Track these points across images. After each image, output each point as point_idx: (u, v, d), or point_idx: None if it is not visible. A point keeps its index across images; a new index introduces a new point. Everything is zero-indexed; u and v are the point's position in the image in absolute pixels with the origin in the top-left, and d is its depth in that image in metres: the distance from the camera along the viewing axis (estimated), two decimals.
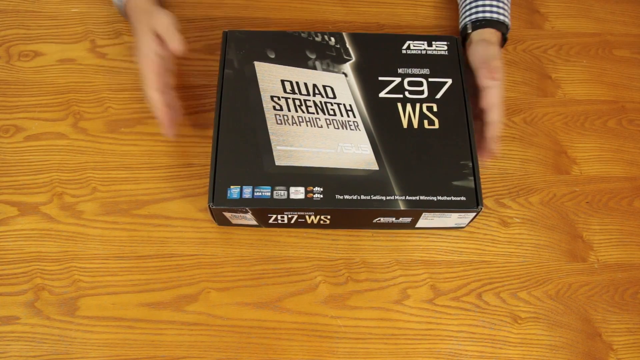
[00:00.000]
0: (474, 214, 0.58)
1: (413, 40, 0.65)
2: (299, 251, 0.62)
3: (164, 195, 0.63)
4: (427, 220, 0.59)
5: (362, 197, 0.56)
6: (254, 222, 0.60)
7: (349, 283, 0.60)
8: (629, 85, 0.75)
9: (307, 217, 0.58)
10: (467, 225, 0.62)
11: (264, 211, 0.56)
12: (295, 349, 0.57)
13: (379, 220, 0.59)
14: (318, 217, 0.58)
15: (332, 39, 0.65)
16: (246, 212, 0.56)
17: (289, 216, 0.57)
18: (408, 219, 0.59)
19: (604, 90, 0.74)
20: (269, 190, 0.56)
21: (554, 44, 0.77)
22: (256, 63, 0.62)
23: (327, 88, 0.62)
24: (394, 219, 0.58)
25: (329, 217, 0.58)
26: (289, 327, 0.58)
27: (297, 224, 0.60)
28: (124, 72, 0.70)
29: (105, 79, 0.69)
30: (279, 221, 0.59)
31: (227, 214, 0.57)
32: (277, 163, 0.57)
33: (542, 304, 0.61)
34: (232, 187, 0.56)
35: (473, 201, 0.56)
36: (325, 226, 0.61)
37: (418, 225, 0.61)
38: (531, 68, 0.75)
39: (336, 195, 0.56)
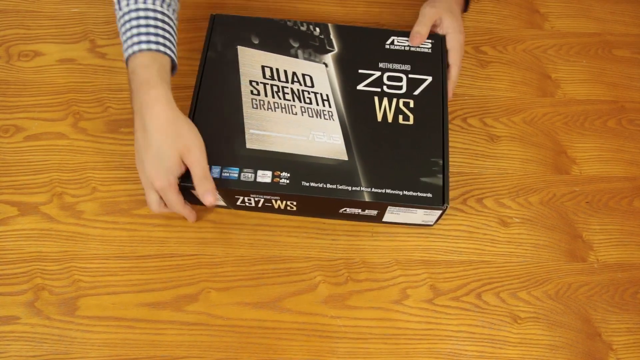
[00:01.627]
0: (440, 212, 0.58)
1: (397, 36, 0.66)
2: (299, 251, 0.62)
3: None
4: (393, 214, 0.59)
5: (328, 185, 0.56)
6: (222, 203, 0.60)
7: (348, 283, 0.61)
8: (629, 85, 0.75)
9: (273, 201, 0.58)
10: (435, 224, 0.62)
11: (230, 192, 0.57)
12: (295, 349, 0.57)
13: (345, 210, 0.59)
14: (284, 202, 0.58)
15: (317, 29, 0.65)
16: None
17: (256, 199, 0.58)
18: (374, 212, 0.59)
19: (604, 90, 0.74)
20: (237, 171, 0.56)
21: (554, 44, 0.77)
22: (239, 47, 0.63)
23: (306, 77, 0.62)
24: (359, 211, 0.59)
25: (295, 203, 0.58)
26: (289, 327, 0.58)
27: (265, 208, 0.60)
28: (123, 72, 0.70)
29: (105, 79, 0.69)
30: (247, 204, 0.59)
31: (195, 192, 0.56)
32: (248, 146, 0.58)
33: (541, 303, 0.61)
34: None
35: (439, 199, 0.56)
36: (292, 212, 0.61)
37: (385, 219, 0.61)
38: (531, 68, 0.75)
39: (302, 182, 0.56)
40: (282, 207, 0.59)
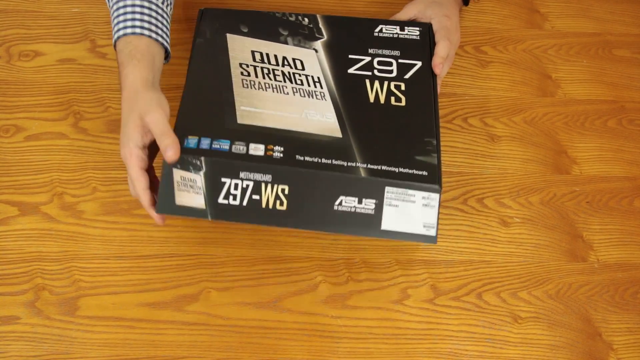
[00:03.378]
0: (438, 197, 0.54)
1: (386, 25, 0.66)
2: (299, 251, 0.62)
3: None
4: (391, 208, 0.55)
5: (324, 160, 0.54)
6: (201, 200, 0.53)
7: (349, 283, 0.60)
8: (629, 85, 0.75)
9: (262, 187, 0.53)
10: (436, 229, 0.55)
11: (219, 169, 0.53)
12: (295, 349, 0.57)
13: (341, 203, 0.54)
14: (275, 190, 0.53)
15: (306, 19, 0.66)
16: (200, 168, 0.52)
17: (244, 185, 0.53)
18: (371, 204, 0.54)
19: (604, 90, 0.74)
20: (228, 144, 0.54)
21: (554, 44, 0.77)
22: (228, 35, 0.63)
23: (296, 61, 0.62)
24: (356, 202, 0.54)
25: (286, 189, 0.53)
26: (289, 327, 0.58)
27: (250, 205, 0.53)
28: None
29: (105, 78, 0.69)
30: (231, 199, 0.53)
31: (176, 176, 0.53)
32: (240, 122, 0.56)
33: (542, 303, 0.61)
34: (190, 137, 0.54)
35: (435, 177, 0.55)
36: (280, 214, 0.54)
37: (384, 220, 0.55)
38: (531, 68, 0.75)
39: (297, 156, 0.54)
40: (272, 199, 0.54)
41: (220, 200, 0.53)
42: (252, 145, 0.54)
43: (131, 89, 0.54)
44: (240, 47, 0.62)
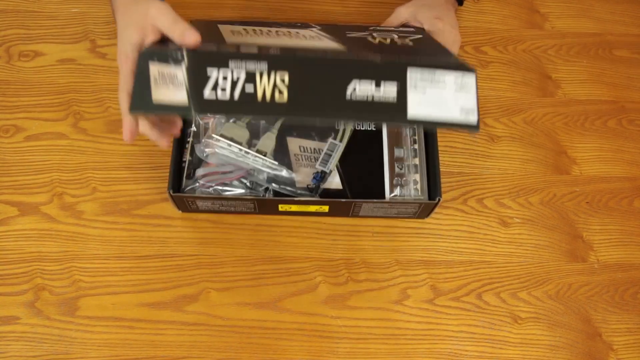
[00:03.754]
0: (474, 80, 0.46)
1: (380, 27, 0.65)
2: (299, 251, 0.62)
3: (164, 195, 0.63)
4: (418, 93, 0.46)
5: (329, 56, 0.47)
6: (183, 95, 0.45)
7: (349, 283, 0.61)
8: (629, 85, 0.75)
9: (257, 77, 0.44)
10: (477, 115, 0.46)
11: (204, 60, 0.44)
12: (295, 349, 0.57)
13: (355, 90, 0.45)
14: (273, 80, 0.44)
15: (299, 24, 0.65)
16: (181, 60, 0.44)
17: (234, 77, 0.44)
18: (392, 89, 0.45)
19: (604, 90, 0.74)
20: (215, 45, 0.48)
21: (554, 44, 0.77)
22: (219, 25, 0.59)
23: (291, 30, 0.60)
24: (373, 87, 0.45)
25: (286, 78, 0.44)
26: (289, 327, 0.58)
27: (243, 98, 0.45)
28: None
29: (105, 79, 0.69)
30: (219, 92, 0.44)
31: (154, 70, 0.45)
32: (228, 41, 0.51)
33: (542, 304, 0.61)
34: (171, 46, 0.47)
35: (464, 65, 0.46)
36: (280, 107, 0.45)
37: (410, 106, 0.46)
38: (531, 68, 0.75)
39: (296, 53, 0.47)
40: (269, 90, 0.45)
41: (207, 94, 0.45)
42: (243, 47, 0.48)
43: (124, 4, 0.49)
44: (231, 27, 0.59)
